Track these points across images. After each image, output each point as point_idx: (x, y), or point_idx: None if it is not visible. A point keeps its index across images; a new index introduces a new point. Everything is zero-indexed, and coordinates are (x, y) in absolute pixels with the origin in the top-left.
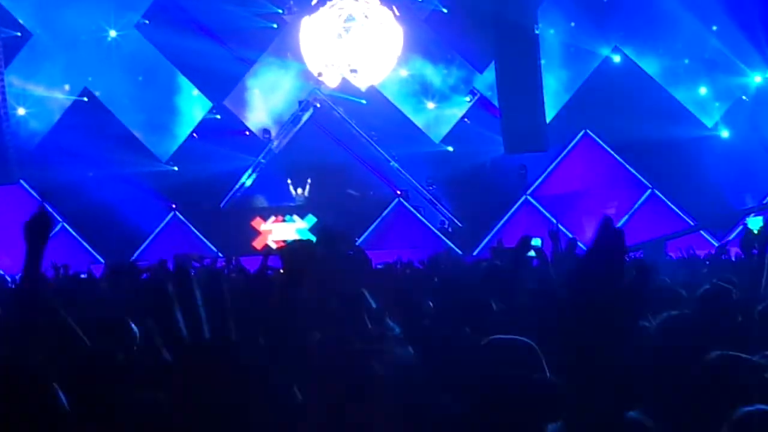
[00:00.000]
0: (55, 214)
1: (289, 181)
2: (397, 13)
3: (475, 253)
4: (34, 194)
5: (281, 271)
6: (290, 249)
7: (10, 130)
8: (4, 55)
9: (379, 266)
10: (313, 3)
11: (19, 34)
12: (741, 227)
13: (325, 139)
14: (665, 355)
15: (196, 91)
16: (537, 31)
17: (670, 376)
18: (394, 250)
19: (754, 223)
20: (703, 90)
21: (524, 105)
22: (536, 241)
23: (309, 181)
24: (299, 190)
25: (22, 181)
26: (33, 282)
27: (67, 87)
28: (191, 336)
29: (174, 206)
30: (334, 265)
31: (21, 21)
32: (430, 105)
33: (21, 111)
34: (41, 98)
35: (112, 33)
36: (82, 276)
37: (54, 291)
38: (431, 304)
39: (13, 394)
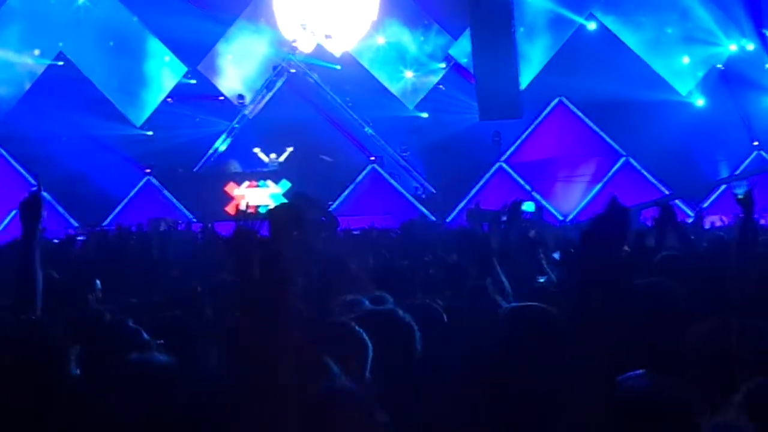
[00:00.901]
0: (30, 178)
1: (256, 150)
2: None
3: (448, 220)
4: (9, 158)
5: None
6: (275, 213)
7: None
8: None
9: (354, 232)
10: None
11: None
12: (715, 196)
13: (299, 104)
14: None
15: (170, 57)
16: None
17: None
18: (367, 216)
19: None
20: (679, 58)
21: (499, 72)
22: (529, 206)
23: (290, 149)
24: (272, 156)
25: None
26: (29, 253)
27: (37, 52)
28: None
29: (148, 171)
30: (310, 230)
31: None
32: (405, 71)
33: None
34: (14, 63)
35: None
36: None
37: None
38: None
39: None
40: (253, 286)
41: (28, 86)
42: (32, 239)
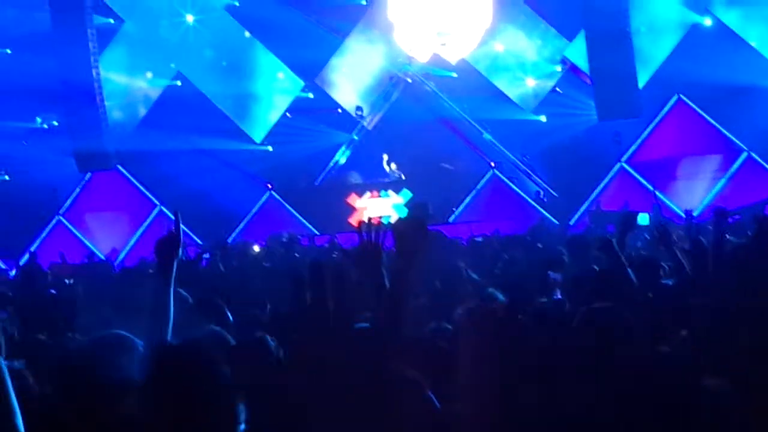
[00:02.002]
0: (152, 197)
1: (384, 157)
2: None
3: (571, 222)
4: (132, 179)
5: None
6: (399, 226)
7: (106, 117)
8: (99, 43)
9: (477, 239)
10: None
11: (112, 20)
12: None
13: (417, 113)
14: None
15: (286, 72)
16: None
17: None
18: (489, 222)
19: None
20: None
21: (616, 71)
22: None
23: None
24: (393, 165)
25: (119, 167)
26: (164, 294)
27: (150, 75)
28: None
29: (270, 186)
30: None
31: (113, 8)
32: (522, 76)
33: (119, 93)
34: (132, 86)
35: (202, 16)
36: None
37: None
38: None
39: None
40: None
41: (146, 108)
42: (168, 278)
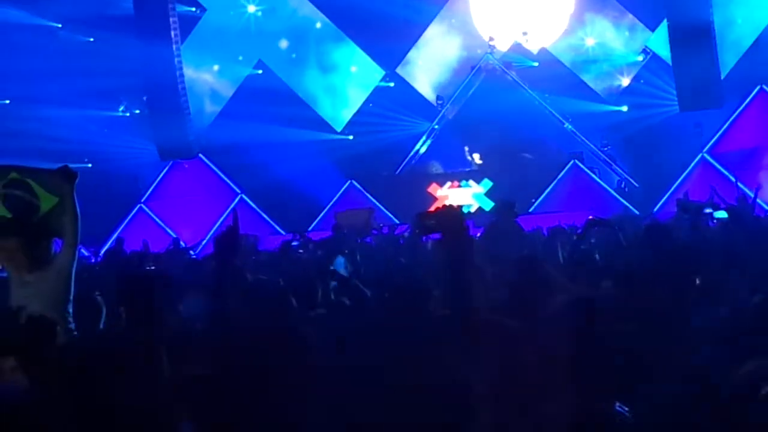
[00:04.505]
0: (234, 186)
1: (466, 149)
2: None
3: (654, 211)
4: (214, 168)
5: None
6: (442, 216)
7: (187, 106)
8: (181, 31)
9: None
10: None
11: (194, 9)
12: None
13: (498, 103)
14: None
15: (368, 60)
16: None
17: None
18: (570, 212)
19: None
20: None
21: (698, 62)
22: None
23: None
24: (476, 156)
25: (201, 155)
26: (221, 288)
27: (231, 63)
28: None
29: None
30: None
31: None
32: (603, 66)
33: (201, 82)
34: (216, 73)
35: (283, 5)
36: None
37: None
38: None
39: None
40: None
41: (228, 97)
42: (226, 273)
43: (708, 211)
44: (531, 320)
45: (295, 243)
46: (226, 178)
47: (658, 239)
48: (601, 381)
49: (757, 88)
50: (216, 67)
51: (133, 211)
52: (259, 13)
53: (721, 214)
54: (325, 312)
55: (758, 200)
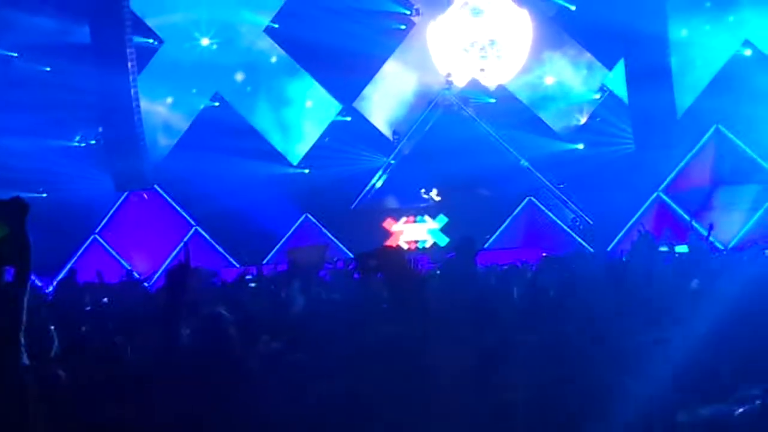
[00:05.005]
0: (188, 218)
1: (422, 191)
2: (525, 11)
3: (609, 249)
4: (169, 199)
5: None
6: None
7: (143, 137)
8: (138, 63)
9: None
10: (451, 1)
11: (152, 41)
12: None
13: (454, 138)
14: None
15: (325, 95)
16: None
17: None
18: (524, 249)
19: None
20: None
21: (654, 101)
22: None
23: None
24: (433, 192)
25: (156, 186)
26: (171, 325)
27: (188, 95)
28: None
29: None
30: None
31: (153, 29)
32: (560, 103)
33: (157, 113)
34: (173, 105)
35: (243, 37)
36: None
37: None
38: None
39: None
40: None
41: (184, 129)
42: (176, 310)
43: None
44: None
45: (249, 276)
46: (181, 210)
47: (617, 277)
48: None
49: (713, 128)
50: (170, 100)
51: (88, 242)
52: (215, 46)
53: (683, 249)
54: (279, 347)
55: (711, 239)
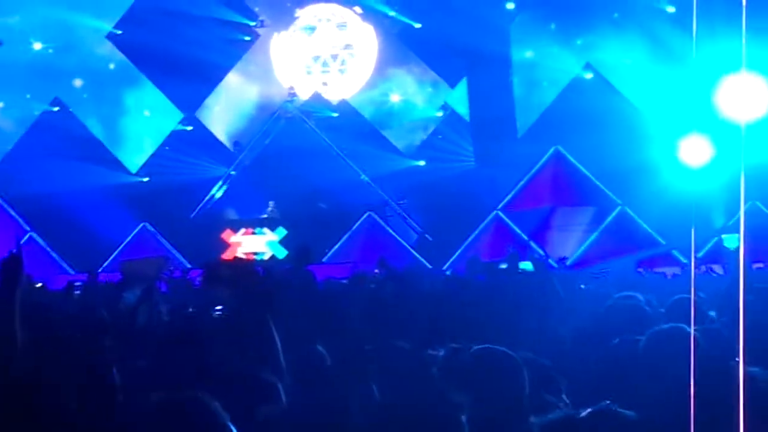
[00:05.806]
0: (23, 223)
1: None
2: (370, 27)
3: (445, 267)
4: (4, 204)
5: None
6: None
7: None
8: None
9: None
10: (296, 15)
11: None
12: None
13: (296, 151)
14: None
15: (166, 103)
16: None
17: None
18: (363, 263)
19: (730, 241)
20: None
21: (495, 120)
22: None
23: (271, 203)
24: (270, 204)
25: None
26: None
27: (25, 99)
28: None
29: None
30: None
31: None
32: (402, 119)
33: None
34: (9, 108)
35: (83, 42)
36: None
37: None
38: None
39: None
40: None
41: (21, 133)
42: (10, 303)
43: (503, 266)
44: None
45: (78, 283)
46: (16, 215)
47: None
48: None
49: (552, 149)
50: (9, 102)
51: None
52: (51, 50)
53: (527, 266)
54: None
55: (549, 259)
